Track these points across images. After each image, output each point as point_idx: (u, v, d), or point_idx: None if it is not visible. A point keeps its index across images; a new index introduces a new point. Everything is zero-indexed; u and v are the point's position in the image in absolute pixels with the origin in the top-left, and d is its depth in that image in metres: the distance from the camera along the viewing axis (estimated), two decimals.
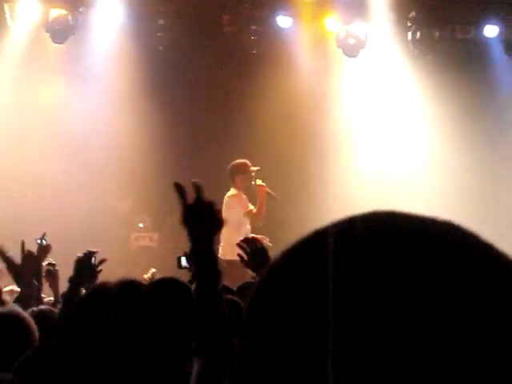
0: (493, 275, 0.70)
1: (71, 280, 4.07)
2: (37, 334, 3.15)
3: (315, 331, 0.68)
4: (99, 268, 4.37)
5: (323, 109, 12.39)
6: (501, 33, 12.10)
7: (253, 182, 9.04)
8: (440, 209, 11.89)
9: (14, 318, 3.16)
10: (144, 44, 11.97)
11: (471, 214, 12.00)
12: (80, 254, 4.27)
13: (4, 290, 4.96)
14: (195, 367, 2.33)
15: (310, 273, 0.70)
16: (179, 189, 2.53)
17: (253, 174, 9.08)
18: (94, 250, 4.40)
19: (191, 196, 2.58)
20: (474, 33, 12.20)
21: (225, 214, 8.69)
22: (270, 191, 9.06)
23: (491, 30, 12.08)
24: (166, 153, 12.26)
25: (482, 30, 12.10)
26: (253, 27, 12.06)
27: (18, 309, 3.40)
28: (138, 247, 11.49)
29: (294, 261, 0.73)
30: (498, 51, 12.38)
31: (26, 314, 3.29)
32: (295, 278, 0.71)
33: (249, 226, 8.93)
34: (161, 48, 12.09)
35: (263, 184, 9.02)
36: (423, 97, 12.49)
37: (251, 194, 9.22)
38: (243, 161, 9.17)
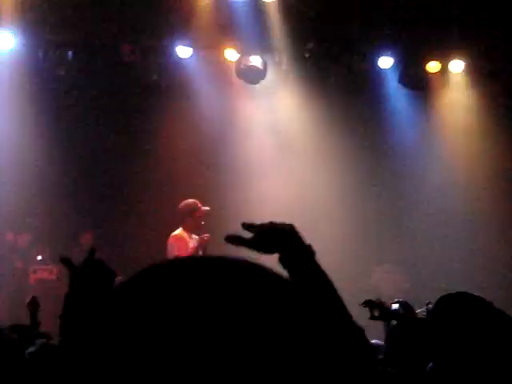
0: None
1: None
2: None
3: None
4: None
5: (226, 136, 12.46)
6: (395, 64, 12.50)
7: (202, 223, 8.84)
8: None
9: None
10: (41, 72, 11.76)
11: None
12: None
13: None
14: None
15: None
16: (66, 263, 2.50)
17: (202, 213, 8.86)
18: None
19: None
20: (370, 64, 12.55)
21: (168, 254, 8.62)
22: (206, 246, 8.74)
23: (386, 62, 12.46)
24: (66, 185, 12.04)
25: (377, 62, 12.48)
26: (152, 57, 12.04)
27: None
28: (37, 280, 11.21)
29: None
30: (392, 82, 12.76)
31: None
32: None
33: None
34: (59, 75, 11.91)
35: (206, 238, 8.71)
36: (319, 126, 12.70)
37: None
38: (193, 202, 8.95)
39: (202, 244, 8.72)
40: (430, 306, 6.62)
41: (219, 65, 12.20)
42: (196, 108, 12.35)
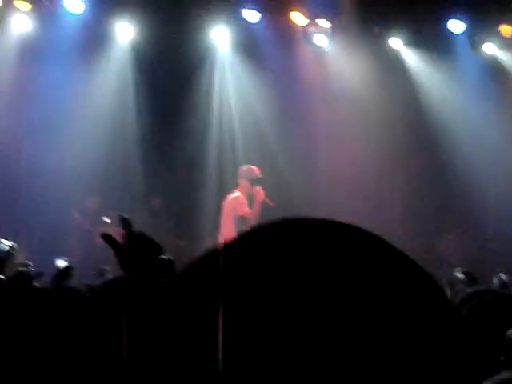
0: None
1: None
2: None
3: None
4: None
5: (296, 101, 12.43)
6: (467, 28, 12.25)
7: (254, 188, 9.27)
8: None
9: None
10: (110, 37, 11.91)
11: None
12: None
13: None
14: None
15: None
16: (109, 240, 2.36)
17: (255, 180, 9.32)
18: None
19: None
20: (441, 28, 12.32)
21: (224, 215, 9.18)
22: (266, 199, 9.26)
23: (457, 26, 12.22)
24: (136, 149, 12.21)
25: (448, 25, 12.25)
26: (221, 21, 12.04)
27: None
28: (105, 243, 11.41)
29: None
30: (464, 46, 12.50)
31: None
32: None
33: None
34: (129, 39, 12.04)
35: (261, 191, 9.24)
36: (385, 91, 12.56)
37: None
38: (251, 167, 9.45)
39: (259, 200, 9.16)
40: (503, 276, 6.50)
41: (286, 28, 12.14)
42: (265, 71, 12.33)
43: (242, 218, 9.11)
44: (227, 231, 9.05)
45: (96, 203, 11.90)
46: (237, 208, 9.14)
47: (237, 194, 9.32)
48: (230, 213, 9.18)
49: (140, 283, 2.18)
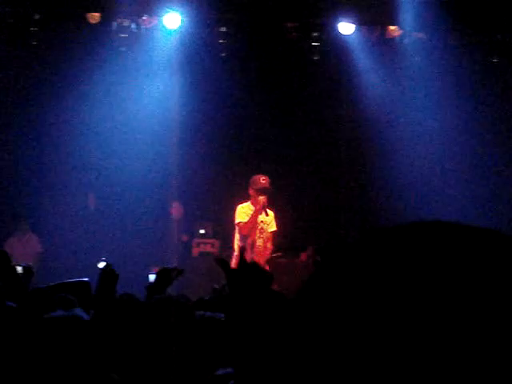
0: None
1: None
2: None
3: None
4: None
5: (389, 111, 12.34)
6: None
7: (258, 197, 9.19)
8: None
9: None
10: (206, 51, 12.08)
11: None
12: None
13: None
14: None
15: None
16: (223, 265, 2.49)
17: (260, 189, 9.18)
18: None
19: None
20: None
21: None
22: (264, 209, 9.16)
23: None
24: (228, 161, 12.33)
25: None
26: (315, 34, 12.06)
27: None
28: (199, 253, 11.60)
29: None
30: None
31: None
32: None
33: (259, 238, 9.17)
34: (223, 55, 12.17)
35: (262, 201, 9.12)
36: (474, 103, 12.36)
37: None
38: (257, 177, 9.30)
39: (262, 206, 9.06)
40: None
41: (381, 41, 12.07)
42: (356, 84, 12.29)
43: (238, 228, 9.13)
44: (241, 243, 9.03)
45: (178, 210, 12.07)
46: (235, 217, 9.17)
47: (245, 204, 9.28)
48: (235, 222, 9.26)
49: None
